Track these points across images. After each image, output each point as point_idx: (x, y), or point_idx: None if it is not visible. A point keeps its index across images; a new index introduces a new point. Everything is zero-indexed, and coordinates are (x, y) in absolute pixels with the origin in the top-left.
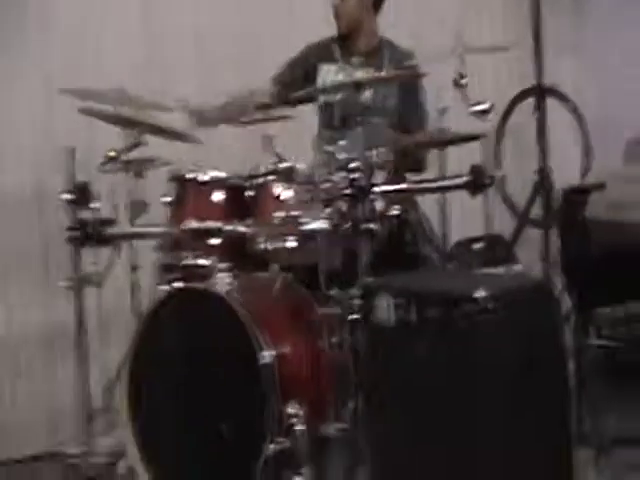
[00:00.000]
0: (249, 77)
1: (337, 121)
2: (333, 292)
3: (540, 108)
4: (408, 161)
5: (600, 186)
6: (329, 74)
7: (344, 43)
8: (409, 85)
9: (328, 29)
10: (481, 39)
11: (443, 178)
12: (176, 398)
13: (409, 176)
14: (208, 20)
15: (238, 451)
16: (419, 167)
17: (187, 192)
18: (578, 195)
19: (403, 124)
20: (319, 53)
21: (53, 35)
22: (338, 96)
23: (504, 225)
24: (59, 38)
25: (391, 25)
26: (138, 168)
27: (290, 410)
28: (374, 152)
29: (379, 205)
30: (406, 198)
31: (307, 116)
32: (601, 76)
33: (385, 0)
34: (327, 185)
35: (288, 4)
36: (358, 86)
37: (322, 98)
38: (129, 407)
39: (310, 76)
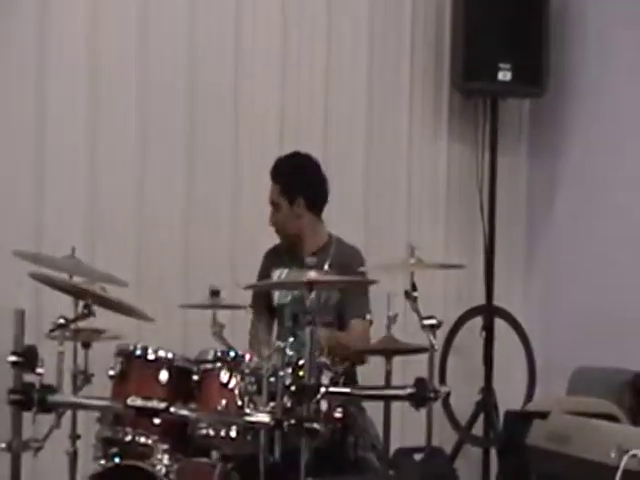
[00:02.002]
0: None
1: (287, 320)
2: None
3: (488, 328)
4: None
5: (542, 415)
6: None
7: (291, 248)
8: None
9: None
10: (433, 254)
11: (388, 387)
12: None
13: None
14: None
15: None
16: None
17: (133, 368)
18: (520, 420)
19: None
20: (273, 260)
21: None
22: (289, 297)
23: (445, 439)
24: None
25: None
26: (86, 338)
27: None
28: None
29: (324, 405)
30: (353, 401)
31: None
32: (550, 304)
33: (325, 201)
34: (273, 379)
35: None
36: (307, 285)
37: (276, 300)
38: None
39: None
